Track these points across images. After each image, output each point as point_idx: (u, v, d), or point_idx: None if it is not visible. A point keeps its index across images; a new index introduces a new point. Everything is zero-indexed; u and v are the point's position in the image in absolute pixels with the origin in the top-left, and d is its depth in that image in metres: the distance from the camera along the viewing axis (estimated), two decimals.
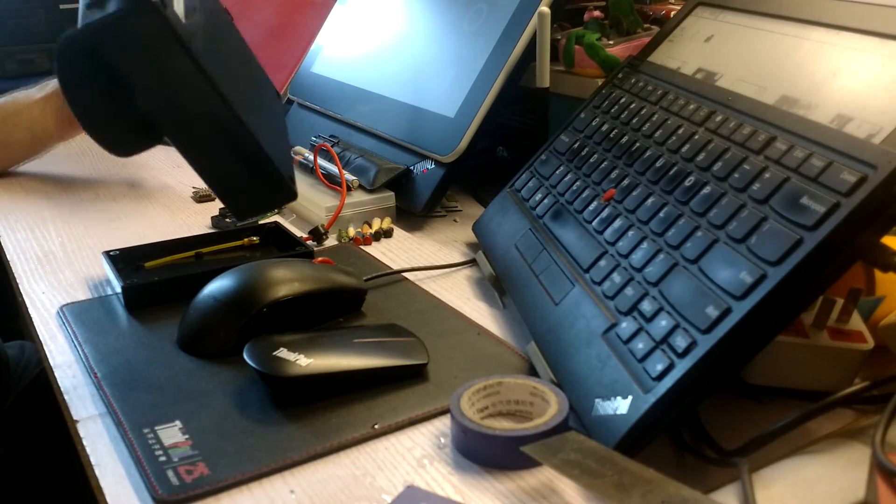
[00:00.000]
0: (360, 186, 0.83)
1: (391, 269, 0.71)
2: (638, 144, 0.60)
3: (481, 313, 0.63)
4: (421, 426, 0.49)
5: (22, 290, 0.69)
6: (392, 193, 0.82)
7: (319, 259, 0.69)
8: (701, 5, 0.70)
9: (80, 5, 0.57)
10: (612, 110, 0.68)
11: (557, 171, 0.68)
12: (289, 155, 0.66)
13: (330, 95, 1.01)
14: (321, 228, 0.78)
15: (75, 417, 0.51)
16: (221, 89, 0.55)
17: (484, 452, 0.46)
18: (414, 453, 0.47)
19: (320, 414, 0.50)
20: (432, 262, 0.73)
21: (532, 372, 0.54)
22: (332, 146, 0.89)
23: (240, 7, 1.26)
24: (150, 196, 0.93)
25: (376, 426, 0.49)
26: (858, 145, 0.43)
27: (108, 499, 0.44)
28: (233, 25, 0.73)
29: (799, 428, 0.45)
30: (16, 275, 0.73)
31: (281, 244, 0.75)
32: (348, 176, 0.83)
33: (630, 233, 0.53)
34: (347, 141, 0.92)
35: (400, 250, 0.76)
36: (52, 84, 0.92)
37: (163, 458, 0.46)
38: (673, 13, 0.83)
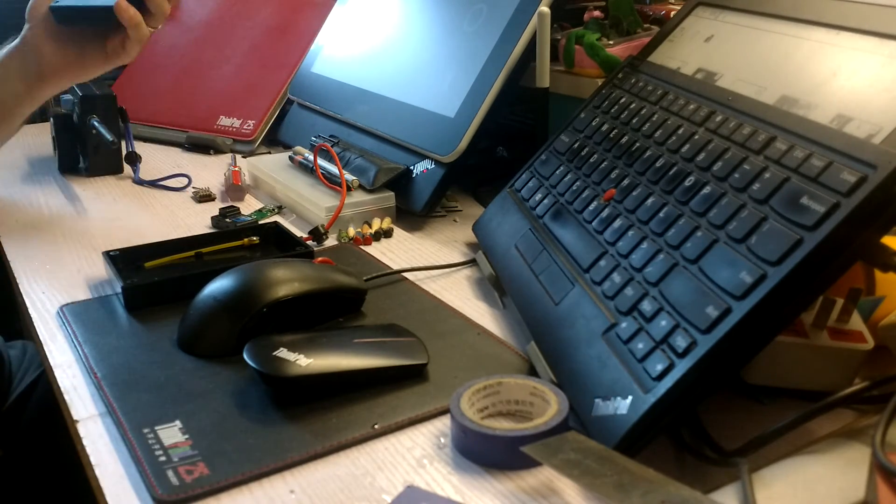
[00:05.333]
0: (360, 186, 0.83)
1: (391, 269, 0.71)
2: (638, 144, 0.60)
3: (481, 313, 0.63)
4: (421, 426, 0.49)
5: (22, 290, 0.69)
6: (392, 193, 0.82)
7: (319, 259, 0.69)
8: (701, 5, 0.70)
9: None
10: (612, 110, 0.68)
11: (557, 171, 0.68)
12: None
13: (330, 95, 1.01)
14: (321, 228, 0.78)
15: (75, 417, 0.51)
16: None
17: (484, 452, 0.46)
18: (414, 453, 0.47)
19: (320, 414, 0.50)
20: (432, 262, 0.73)
21: (532, 372, 0.54)
22: (332, 146, 0.89)
23: (240, 7, 1.26)
24: (150, 196, 0.92)
25: (376, 426, 0.49)
26: (858, 145, 0.43)
27: (108, 499, 0.44)
28: None
29: (799, 428, 0.45)
30: (16, 275, 0.73)
31: (281, 244, 0.75)
32: (348, 176, 0.83)
33: (630, 233, 0.53)
34: (347, 141, 0.92)
35: (400, 250, 0.76)
36: (8, 46, 0.86)
37: (163, 458, 0.46)
38: (673, 13, 0.83)
